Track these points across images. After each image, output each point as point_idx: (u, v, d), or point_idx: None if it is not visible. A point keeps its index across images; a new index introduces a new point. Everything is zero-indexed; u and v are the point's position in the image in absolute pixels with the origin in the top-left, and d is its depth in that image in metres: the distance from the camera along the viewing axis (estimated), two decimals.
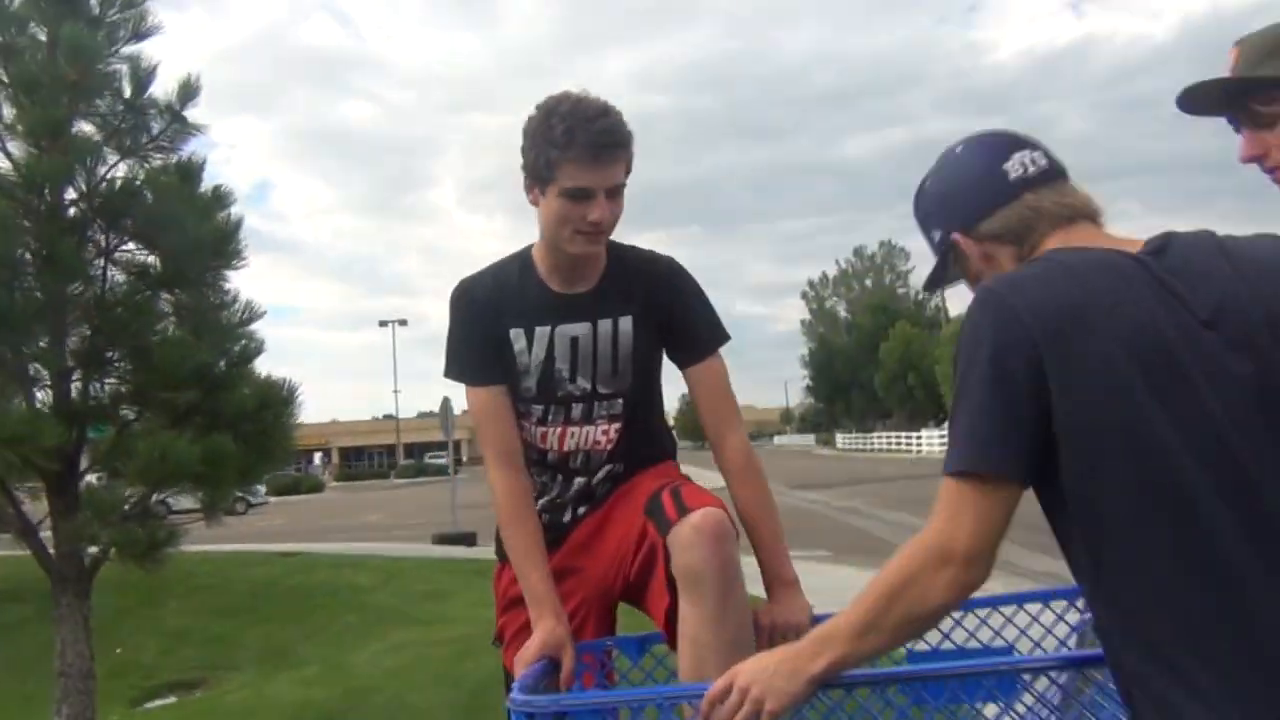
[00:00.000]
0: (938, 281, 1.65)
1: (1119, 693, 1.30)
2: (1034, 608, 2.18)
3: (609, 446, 2.18)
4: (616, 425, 2.18)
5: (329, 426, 75.20)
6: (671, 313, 2.17)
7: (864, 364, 64.21)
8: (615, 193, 2.03)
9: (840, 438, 68.00)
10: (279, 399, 5.46)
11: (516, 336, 2.15)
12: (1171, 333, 1.25)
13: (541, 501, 2.23)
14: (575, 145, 1.95)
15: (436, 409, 19.33)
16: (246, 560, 14.67)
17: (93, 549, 5.19)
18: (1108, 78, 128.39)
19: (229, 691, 8.09)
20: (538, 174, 2.02)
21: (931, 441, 53.86)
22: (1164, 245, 1.34)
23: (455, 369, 2.20)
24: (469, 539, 16.29)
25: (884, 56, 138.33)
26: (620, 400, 2.17)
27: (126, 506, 5.15)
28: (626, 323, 2.14)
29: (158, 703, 8.78)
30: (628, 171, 2.04)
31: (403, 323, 63.56)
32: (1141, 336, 1.25)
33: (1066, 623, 2.14)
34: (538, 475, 2.24)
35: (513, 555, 2.11)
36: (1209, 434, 1.21)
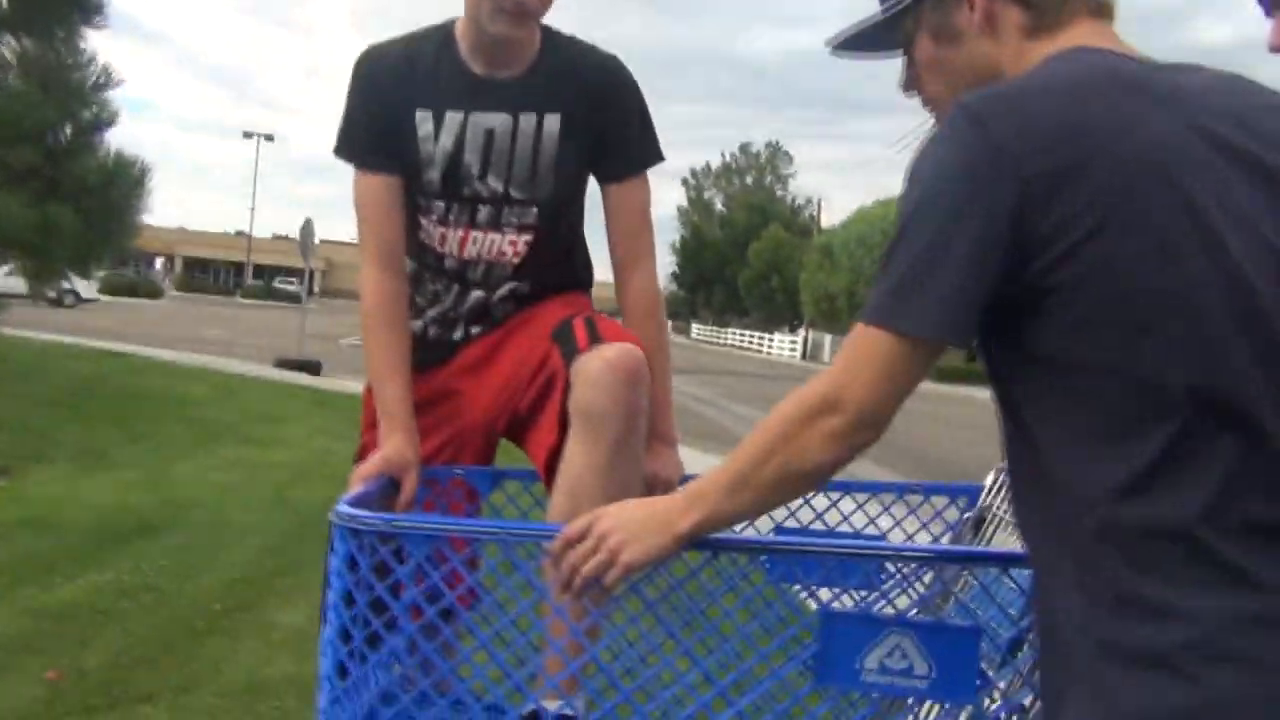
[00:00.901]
0: (877, 42, 1.33)
1: (1039, 590, 1.13)
2: (914, 499, 2.15)
3: (515, 260, 1.96)
4: (526, 238, 1.95)
5: (176, 233, 71.81)
6: (606, 119, 1.93)
7: (731, 260, 64.71)
8: None
9: (695, 327, 68.95)
10: (129, 176, 4.99)
11: (423, 119, 1.89)
12: (1212, 170, 1.02)
13: (430, 313, 2.02)
14: None
15: (293, 235, 18.49)
16: (70, 353, 13.87)
17: None
18: None
19: (38, 484, 7.65)
20: None
21: (782, 346, 55.33)
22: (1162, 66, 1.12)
23: (346, 148, 1.94)
24: (313, 367, 15.86)
25: None
26: (534, 210, 1.93)
27: None
28: (553, 121, 1.89)
29: None
30: None
31: (269, 138, 60.49)
32: (1182, 174, 1.01)
33: (944, 520, 2.11)
34: (431, 282, 2.01)
35: (370, 363, 1.90)
36: (1250, 304, 1.01)
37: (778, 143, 79.26)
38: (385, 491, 1.78)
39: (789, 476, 1.17)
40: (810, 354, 53.52)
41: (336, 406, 11.24)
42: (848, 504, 2.12)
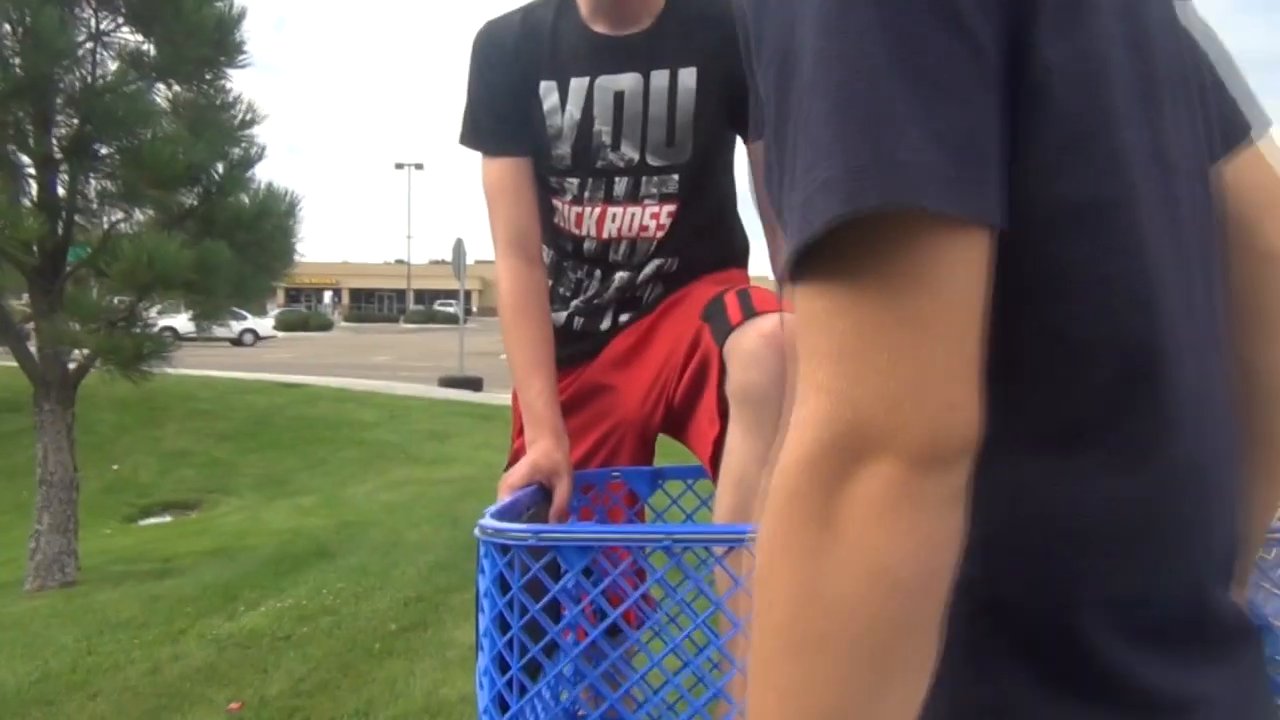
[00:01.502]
0: None
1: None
2: None
3: (659, 235, 1.76)
4: (670, 209, 1.74)
5: (340, 267, 75.15)
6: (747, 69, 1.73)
7: None
8: None
9: None
10: (280, 209, 5.07)
11: (547, 91, 1.72)
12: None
13: (575, 302, 1.84)
14: None
15: (448, 258, 19.00)
16: (249, 389, 14.53)
17: (76, 354, 4.89)
18: None
19: (224, 514, 7.98)
20: None
21: None
22: None
23: (471, 135, 1.78)
24: (475, 384, 16.15)
25: None
26: (676, 177, 1.73)
27: (114, 313, 4.84)
28: (688, 76, 1.69)
29: (153, 520, 8.71)
30: None
31: (419, 166, 62.54)
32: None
33: None
34: (572, 270, 1.84)
35: (512, 362, 1.72)
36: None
37: None
38: (536, 500, 1.62)
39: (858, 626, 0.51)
40: None
41: (500, 420, 11.36)
42: None
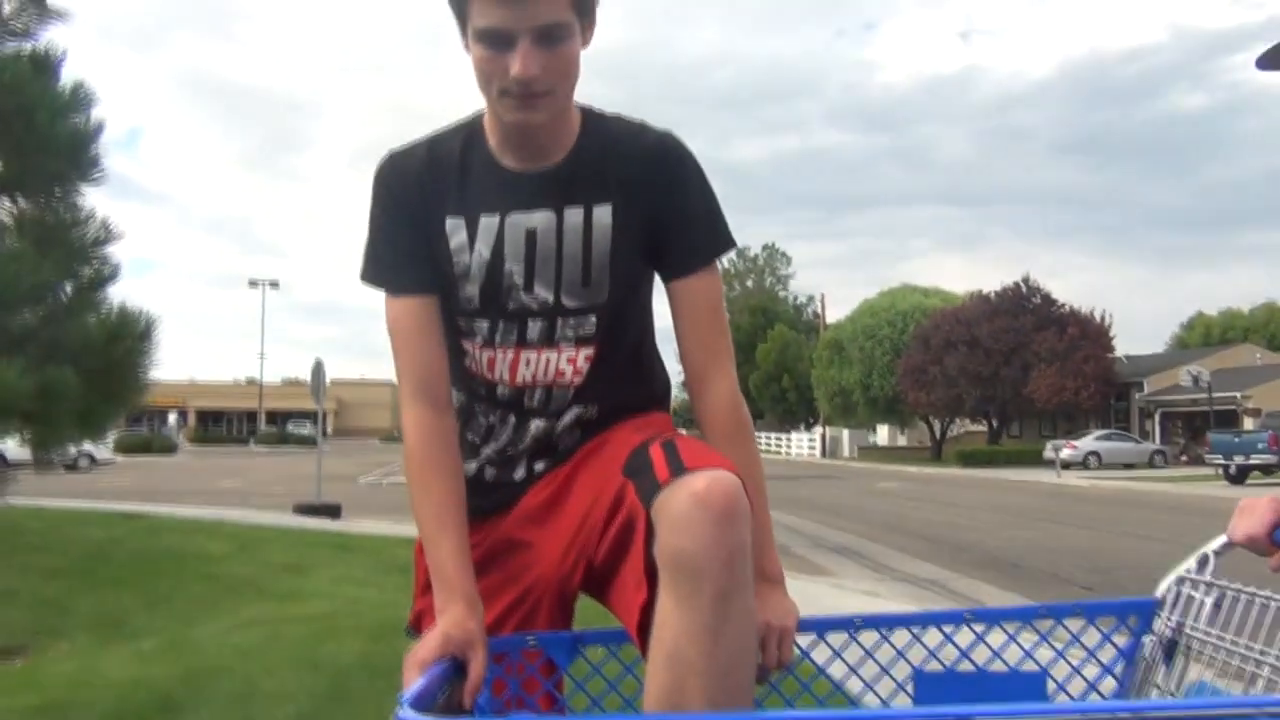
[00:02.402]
0: None
1: None
2: (1075, 623, 1.79)
3: (576, 380, 1.65)
4: (587, 352, 1.64)
5: (187, 387, 72.35)
6: (665, 204, 1.62)
7: (740, 363, 64.49)
8: (548, 38, 1.46)
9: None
10: (133, 333, 4.75)
11: (455, 228, 1.60)
12: None
13: (486, 451, 1.70)
14: None
15: (302, 377, 18.47)
16: (85, 519, 13.53)
17: None
18: (989, 106, 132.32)
19: (54, 661, 7.26)
20: (456, 11, 1.50)
21: (801, 444, 54.79)
22: None
23: (373, 271, 1.64)
24: (333, 510, 15.49)
25: (781, 64, 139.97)
26: (593, 318, 1.63)
27: None
28: (603, 213, 1.60)
29: None
30: (582, 13, 1.50)
31: (274, 284, 61.25)
32: None
33: (1114, 644, 1.76)
34: (483, 415, 1.70)
35: (419, 517, 1.57)
36: None
37: (774, 245, 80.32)
38: (448, 677, 1.44)
39: None
40: (830, 450, 52.94)
41: (360, 550, 10.86)
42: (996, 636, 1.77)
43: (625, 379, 1.71)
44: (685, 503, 1.36)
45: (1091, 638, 1.78)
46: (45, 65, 4.88)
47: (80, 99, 4.88)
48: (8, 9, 4.75)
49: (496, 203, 1.60)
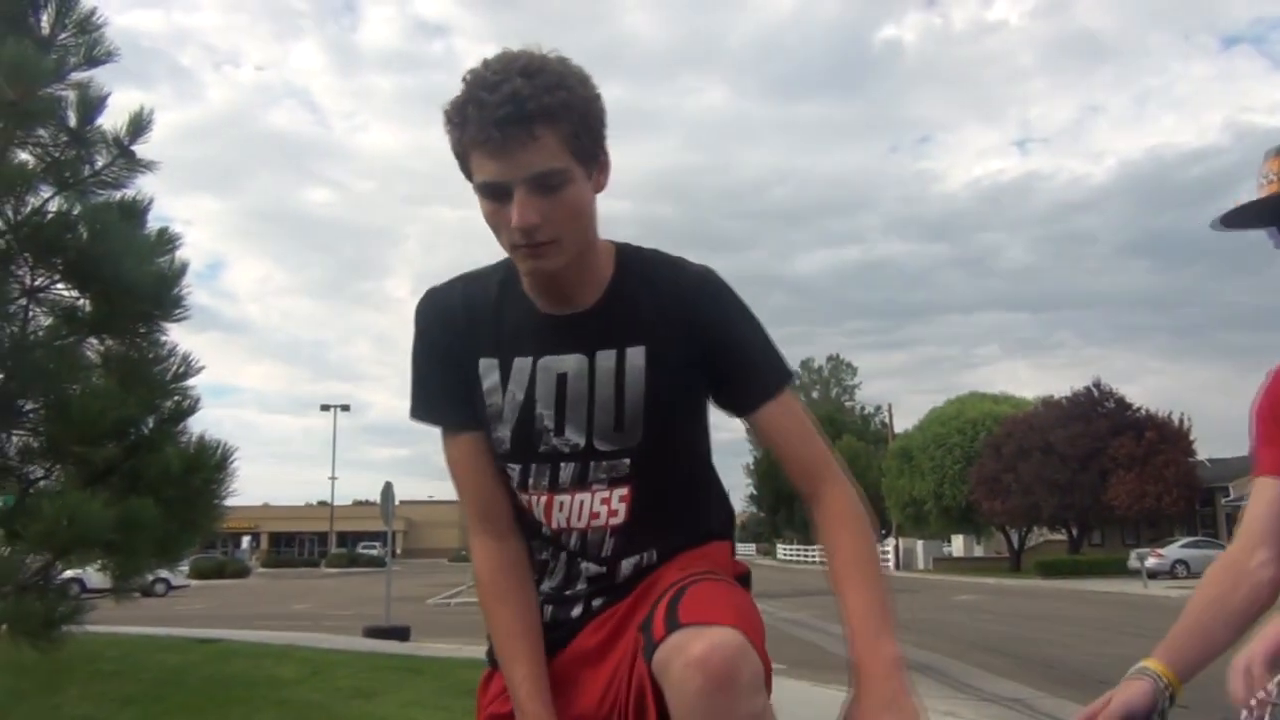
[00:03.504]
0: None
1: None
2: None
3: (613, 521, 1.62)
4: (621, 492, 1.61)
5: (260, 510, 73.20)
6: (712, 343, 1.60)
7: None
8: (544, 186, 1.44)
9: (780, 548, 67.34)
10: (210, 463, 4.91)
11: (488, 369, 1.61)
12: None
13: (544, 588, 1.68)
14: (471, 124, 1.43)
15: (372, 499, 18.69)
16: (159, 645, 13.64)
17: None
18: (1049, 213, 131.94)
19: None
20: (464, 171, 1.52)
21: None
22: None
23: (421, 409, 1.66)
24: (402, 633, 15.44)
25: (839, 179, 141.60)
26: (626, 461, 1.60)
27: (25, 576, 4.55)
28: (637, 354, 1.58)
29: None
30: (582, 158, 1.48)
31: (345, 408, 62.21)
32: None
33: None
34: (537, 551, 1.69)
35: (495, 646, 1.60)
36: None
37: (839, 355, 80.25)
38: None
39: None
40: (904, 562, 51.62)
41: (429, 673, 10.78)
42: None
43: (674, 517, 1.66)
44: (679, 669, 1.34)
45: None
46: (133, 211, 5.19)
47: (165, 242, 5.17)
48: (100, 162, 5.09)
49: (529, 346, 1.60)
